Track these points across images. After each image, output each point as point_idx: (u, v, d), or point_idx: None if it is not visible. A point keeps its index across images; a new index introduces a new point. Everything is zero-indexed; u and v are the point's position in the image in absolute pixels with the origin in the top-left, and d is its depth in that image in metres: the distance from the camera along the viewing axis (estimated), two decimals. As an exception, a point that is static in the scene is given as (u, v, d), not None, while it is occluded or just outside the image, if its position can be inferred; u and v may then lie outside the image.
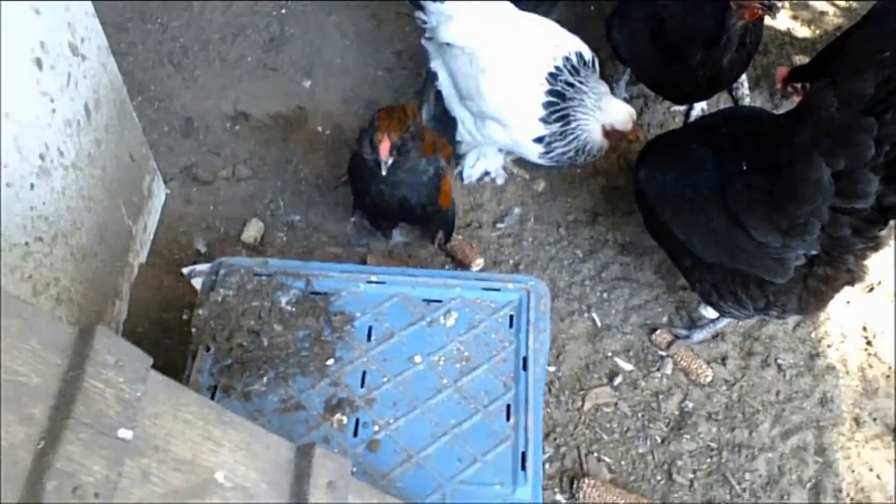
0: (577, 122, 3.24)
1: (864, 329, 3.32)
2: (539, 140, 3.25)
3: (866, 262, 2.69)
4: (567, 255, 3.44)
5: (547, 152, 3.30)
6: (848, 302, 3.36)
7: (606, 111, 3.24)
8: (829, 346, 3.27)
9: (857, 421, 3.11)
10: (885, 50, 2.29)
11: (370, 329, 2.63)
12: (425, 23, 3.27)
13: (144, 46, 3.86)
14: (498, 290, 2.76)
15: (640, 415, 3.07)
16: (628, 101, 3.78)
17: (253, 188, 3.49)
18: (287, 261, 2.76)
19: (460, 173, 3.58)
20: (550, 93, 3.20)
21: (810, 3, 4.31)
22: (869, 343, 3.29)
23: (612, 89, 3.50)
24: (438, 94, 3.46)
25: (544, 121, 3.21)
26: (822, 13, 4.26)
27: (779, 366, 3.20)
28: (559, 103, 3.20)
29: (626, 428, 3.04)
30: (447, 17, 3.19)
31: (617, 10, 3.58)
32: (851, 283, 2.75)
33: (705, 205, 2.78)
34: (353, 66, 3.91)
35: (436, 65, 3.39)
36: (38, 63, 2.47)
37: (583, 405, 3.07)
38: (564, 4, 3.85)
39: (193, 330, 2.51)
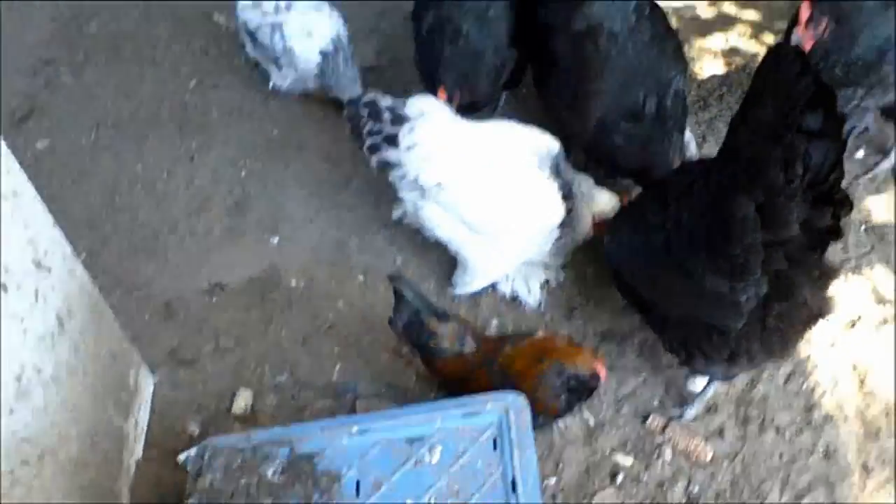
0: (576, 208, 3.41)
1: (855, 368, 3.32)
2: (563, 225, 3.39)
3: (825, 294, 2.71)
4: (550, 356, 3.48)
5: (560, 237, 3.43)
6: (833, 344, 3.37)
7: (595, 200, 3.43)
8: (823, 395, 3.26)
9: (866, 468, 3.10)
10: (778, 75, 2.39)
11: (358, 484, 2.67)
12: (403, 176, 3.35)
13: (117, 239, 4.01)
14: (478, 413, 2.80)
15: (648, 509, 3.09)
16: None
17: (238, 357, 3.59)
18: (269, 430, 2.83)
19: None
20: (557, 179, 3.35)
21: (741, 47, 4.39)
22: (862, 382, 3.28)
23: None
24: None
25: (564, 203, 3.35)
26: (755, 55, 4.34)
27: (777, 427, 3.20)
28: (565, 184, 3.37)
29: (636, 526, 3.05)
30: (425, 160, 3.29)
31: None
32: (815, 318, 2.80)
33: (659, 261, 2.88)
34: (316, 213, 4.04)
35: (426, 212, 3.43)
36: (4, 288, 2.55)
37: (590, 510, 3.09)
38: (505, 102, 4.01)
39: (187, 522, 2.59)
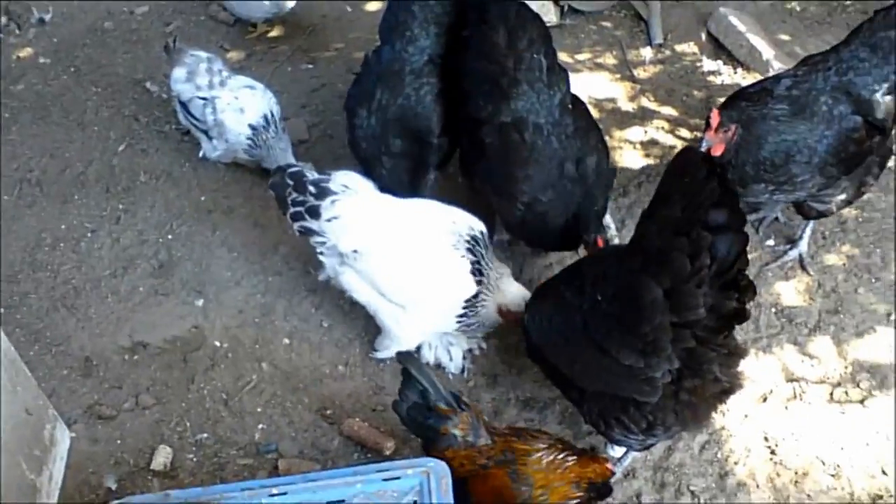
0: (485, 295, 3.47)
1: (766, 439, 3.43)
2: (469, 300, 3.43)
3: (735, 370, 2.86)
4: (473, 421, 3.52)
5: (462, 315, 3.47)
6: (746, 415, 3.49)
7: (504, 291, 3.49)
8: (736, 464, 3.36)
9: (776, 533, 3.19)
10: (686, 177, 2.61)
11: (277, 545, 2.67)
12: (323, 243, 3.44)
13: (37, 294, 3.96)
14: (398, 478, 2.82)
15: (569, 570, 3.10)
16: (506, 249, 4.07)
17: (158, 414, 3.54)
18: (187, 490, 2.81)
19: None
20: (471, 259, 3.43)
21: (660, 139, 4.62)
22: (773, 452, 3.40)
23: (492, 230, 3.83)
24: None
25: (475, 277, 3.42)
26: (672, 147, 4.56)
27: (692, 492, 3.29)
28: (480, 269, 3.44)
29: (556, 590, 3.06)
30: (344, 229, 3.39)
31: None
32: (726, 392, 2.96)
33: (576, 339, 3.00)
34: (243, 276, 4.05)
35: (345, 277, 3.50)
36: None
37: (511, 573, 3.10)
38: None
39: (101, 579, 2.52)
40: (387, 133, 3.89)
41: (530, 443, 3.00)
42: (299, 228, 3.42)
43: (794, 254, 4.05)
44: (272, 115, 4.29)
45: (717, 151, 3.47)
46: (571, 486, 2.94)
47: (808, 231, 4.02)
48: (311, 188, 3.36)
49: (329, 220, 3.35)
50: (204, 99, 4.28)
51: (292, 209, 3.39)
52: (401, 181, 3.91)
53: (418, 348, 3.69)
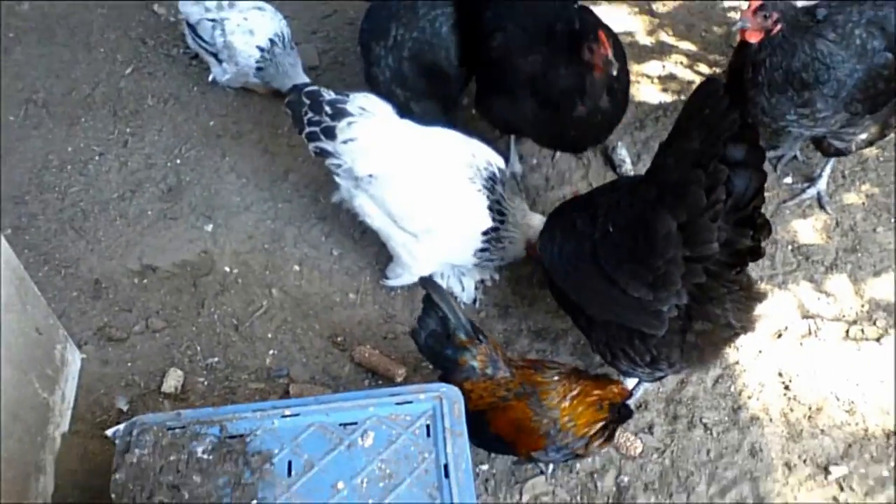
0: (509, 231, 3.44)
1: (780, 375, 3.41)
2: (486, 233, 3.40)
3: (749, 314, 2.81)
4: (485, 351, 3.50)
5: (483, 249, 3.45)
6: (760, 351, 3.46)
7: (532, 227, 3.46)
8: (749, 398, 3.35)
9: (789, 466, 3.18)
10: (706, 108, 2.55)
11: (290, 464, 2.65)
12: (338, 165, 3.38)
13: (45, 216, 3.91)
14: (411, 402, 2.80)
15: (578, 498, 3.12)
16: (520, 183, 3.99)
17: (169, 338, 3.52)
18: (199, 410, 2.79)
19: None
20: (488, 194, 3.38)
21: (678, 74, 4.52)
22: (787, 388, 3.38)
23: (507, 160, 3.77)
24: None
25: (491, 215, 3.38)
26: (690, 82, 4.47)
27: (704, 425, 3.27)
28: (497, 204, 3.40)
29: (566, 514, 3.07)
30: (361, 152, 3.32)
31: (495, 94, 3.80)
32: (735, 336, 2.93)
33: (586, 268, 2.96)
34: (252, 202, 4.00)
35: (359, 201, 3.45)
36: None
37: (521, 498, 3.11)
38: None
39: (113, 495, 2.51)
40: (404, 69, 3.79)
41: (548, 374, 2.96)
42: (314, 149, 3.35)
43: (812, 192, 3.99)
44: (282, 35, 4.20)
45: (753, 37, 3.32)
46: (595, 409, 2.92)
47: (827, 170, 3.94)
48: (328, 108, 3.28)
49: (345, 142, 3.28)
50: (213, 20, 4.18)
51: (308, 129, 3.31)
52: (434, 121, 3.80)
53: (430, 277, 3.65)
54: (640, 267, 2.72)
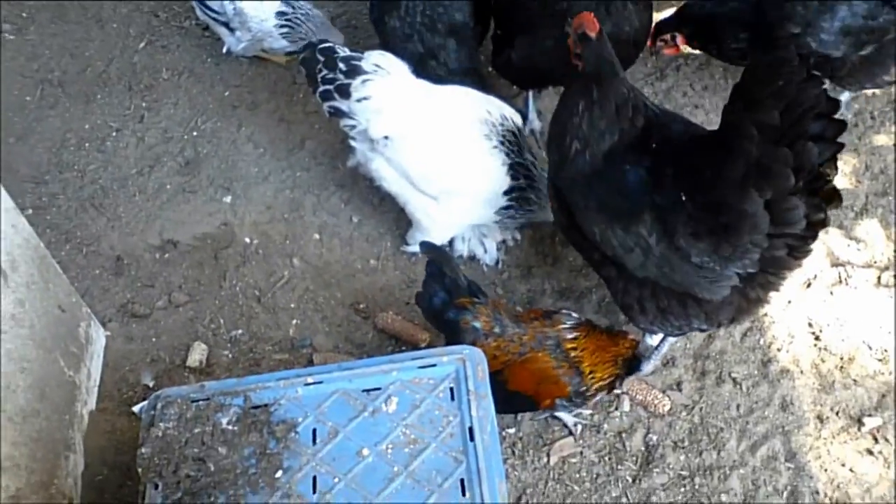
0: (538, 195, 3.38)
1: (810, 325, 3.35)
2: (507, 192, 3.35)
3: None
4: (508, 312, 3.47)
5: (507, 207, 3.39)
6: (789, 302, 3.40)
7: None
8: (779, 350, 3.29)
9: (821, 418, 3.13)
10: (780, 79, 2.42)
11: (314, 431, 2.64)
12: (353, 126, 3.33)
13: (66, 195, 3.92)
14: (434, 365, 2.77)
15: (607, 458, 3.08)
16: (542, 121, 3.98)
17: (192, 312, 3.52)
18: (223, 381, 2.79)
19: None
20: (506, 151, 3.32)
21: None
22: (817, 338, 3.32)
23: (525, 118, 3.71)
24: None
25: (510, 173, 3.33)
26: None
27: (734, 380, 3.23)
28: (517, 162, 3.34)
29: (595, 475, 3.05)
30: (375, 112, 3.27)
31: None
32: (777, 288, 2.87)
33: (642, 228, 2.79)
34: (270, 172, 3.98)
35: (375, 164, 3.41)
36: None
37: (548, 461, 3.08)
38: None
39: (139, 470, 2.52)
40: (422, 37, 3.71)
41: (563, 323, 2.96)
42: (328, 108, 3.29)
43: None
44: None
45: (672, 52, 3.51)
46: (612, 364, 2.93)
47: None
48: (342, 65, 3.22)
49: (359, 101, 3.22)
50: None
51: (322, 87, 3.25)
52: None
53: (451, 241, 3.63)
54: (722, 243, 2.65)
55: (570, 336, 2.93)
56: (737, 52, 3.74)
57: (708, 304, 2.85)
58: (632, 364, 2.96)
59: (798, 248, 2.66)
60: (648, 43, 3.84)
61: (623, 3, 3.44)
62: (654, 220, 2.76)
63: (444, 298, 3.04)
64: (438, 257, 3.08)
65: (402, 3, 3.70)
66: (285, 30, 4.12)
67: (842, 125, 2.47)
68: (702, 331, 3.13)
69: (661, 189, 2.76)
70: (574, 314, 3.05)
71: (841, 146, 2.48)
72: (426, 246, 3.15)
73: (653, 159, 2.82)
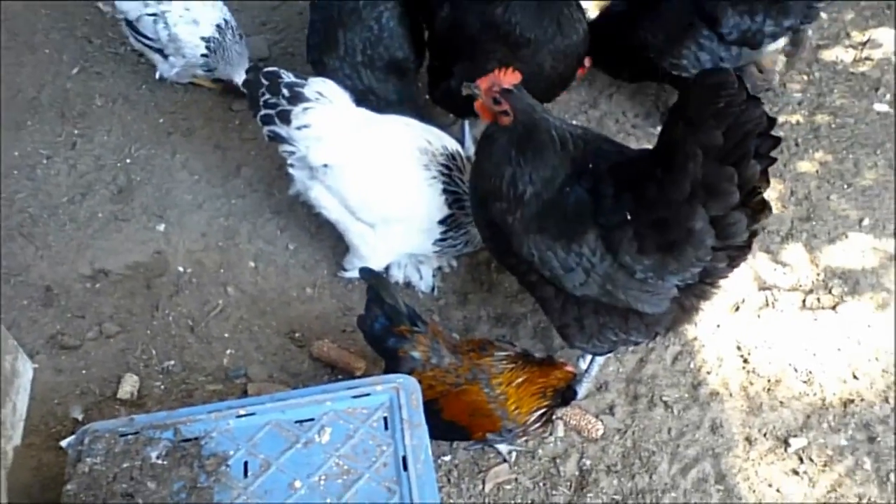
0: (470, 219, 3.36)
1: (739, 348, 3.43)
2: (443, 221, 3.37)
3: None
4: (444, 339, 3.48)
5: (443, 238, 3.42)
6: (718, 325, 3.47)
7: None
8: (708, 373, 3.35)
9: (749, 440, 3.19)
10: (719, 101, 2.51)
11: (246, 464, 2.62)
12: (292, 153, 3.33)
13: (-7, 224, 3.86)
14: (368, 394, 2.78)
15: (541, 484, 3.11)
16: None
17: (123, 343, 3.47)
18: (153, 414, 2.76)
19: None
20: (444, 180, 3.34)
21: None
22: (745, 361, 3.39)
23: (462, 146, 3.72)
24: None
25: (448, 203, 3.35)
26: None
27: (665, 403, 3.28)
28: (455, 192, 3.35)
29: (530, 501, 3.07)
30: (315, 140, 3.27)
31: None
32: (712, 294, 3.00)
33: (585, 248, 2.83)
34: (205, 200, 3.95)
35: (314, 192, 3.40)
36: None
37: (484, 488, 3.09)
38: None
39: (65, 508, 2.48)
40: (361, 75, 3.74)
41: (496, 356, 2.96)
42: (268, 133, 3.28)
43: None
44: (227, 22, 4.14)
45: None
46: (539, 397, 2.93)
47: None
48: (285, 91, 3.22)
49: (299, 129, 3.22)
50: (153, 15, 4.10)
51: (263, 111, 3.24)
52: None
53: (387, 267, 3.63)
54: (669, 259, 2.73)
55: (497, 370, 2.93)
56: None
57: (649, 316, 2.92)
58: (566, 394, 2.97)
59: (736, 258, 2.79)
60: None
61: (570, 10, 3.56)
62: (598, 238, 2.82)
63: (384, 324, 3.03)
64: (378, 283, 3.08)
65: (341, 44, 3.73)
66: (206, 54, 4.12)
67: (776, 141, 2.57)
68: (637, 343, 3.17)
69: (604, 209, 2.82)
70: (508, 346, 3.06)
71: (773, 160, 2.60)
72: (366, 272, 3.16)
73: (592, 180, 2.86)
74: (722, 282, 2.93)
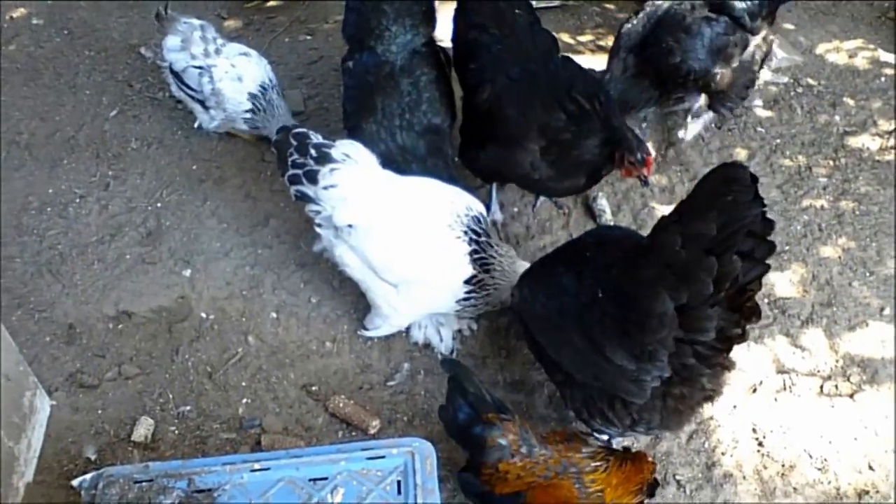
0: (494, 279, 3.43)
1: (754, 431, 3.40)
2: (468, 281, 3.40)
3: (721, 380, 2.82)
4: (460, 403, 3.48)
5: (466, 298, 3.44)
6: (735, 406, 3.46)
7: (517, 272, 3.45)
8: (723, 454, 3.33)
9: (761, 525, 3.16)
10: (728, 194, 2.49)
11: (257, 520, 2.65)
12: (318, 212, 3.37)
13: (22, 259, 3.91)
14: (383, 456, 2.80)
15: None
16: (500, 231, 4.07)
17: (141, 385, 3.50)
18: (167, 462, 2.78)
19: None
20: (470, 242, 3.38)
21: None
22: (760, 444, 3.36)
23: (488, 209, 3.82)
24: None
25: (472, 263, 3.38)
26: (670, 129, 4.53)
27: (678, 482, 3.25)
28: (478, 247, 3.40)
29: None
30: (341, 200, 3.32)
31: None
32: (710, 399, 2.93)
33: (569, 327, 2.92)
34: (232, 248, 4.00)
35: (338, 251, 3.44)
36: None
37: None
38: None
39: (76, 550, 2.49)
40: (395, 137, 3.81)
41: (584, 451, 2.91)
42: (296, 193, 3.34)
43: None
44: (270, 81, 4.25)
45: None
46: (636, 493, 2.90)
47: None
48: (313, 151, 3.28)
49: (326, 189, 3.28)
50: (200, 68, 4.20)
51: (291, 171, 3.30)
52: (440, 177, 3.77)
53: (408, 328, 3.66)
54: (628, 340, 2.71)
55: (590, 468, 2.87)
56: None
57: (633, 406, 2.90)
58: (652, 486, 2.94)
59: (709, 359, 2.71)
60: None
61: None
62: (576, 316, 2.88)
63: (469, 413, 2.96)
64: (460, 373, 3.04)
65: (379, 109, 3.82)
66: (250, 111, 4.21)
67: (772, 246, 2.52)
68: (643, 433, 3.16)
69: (583, 288, 2.88)
70: (595, 439, 3.04)
71: (768, 267, 2.53)
72: (448, 364, 3.15)
73: (584, 263, 2.98)
74: (707, 387, 2.86)
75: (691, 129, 4.52)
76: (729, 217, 2.47)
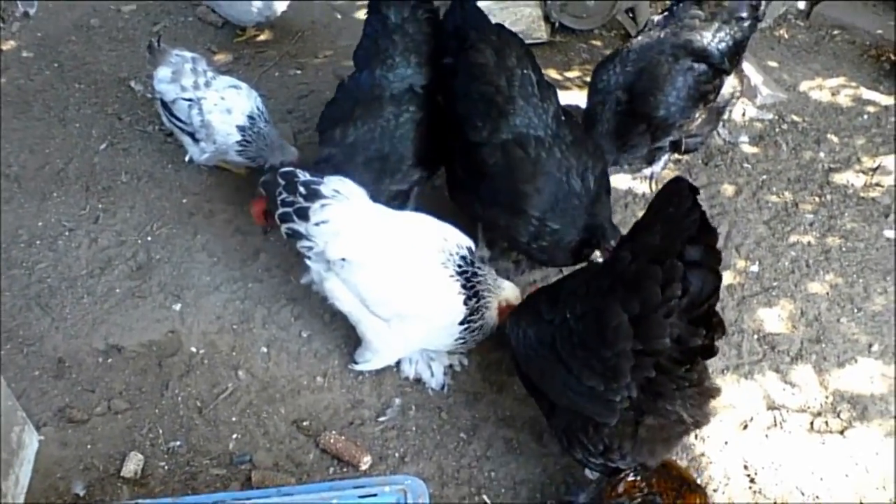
0: (484, 301, 3.47)
1: (746, 467, 3.40)
2: (463, 322, 3.43)
3: (702, 409, 2.84)
4: (451, 438, 3.47)
5: (462, 337, 3.48)
6: (726, 442, 3.46)
7: (502, 288, 3.55)
8: (715, 491, 3.33)
9: (754, 562, 3.16)
10: (671, 206, 2.59)
11: (248, 558, 2.62)
12: (310, 248, 3.37)
13: (11, 292, 3.89)
14: (375, 494, 2.79)
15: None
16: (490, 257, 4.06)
17: (130, 420, 3.47)
18: (157, 500, 2.77)
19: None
20: (463, 280, 3.41)
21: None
22: (752, 481, 3.37)
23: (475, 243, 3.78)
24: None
25: (465, 303, 3.41)
26: (660, 169, 4.58)
27: (670, 518, 3.26)
28: (470, 284, 3.43)
29: None
30: (333, 235, 3.33)
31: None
32: (687, 431, 2.97)
33: (546, 353, 2.98)
34: (222, 282, 4.00)
35: (329, 284, 3.44)
36: None
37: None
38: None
39: (63, 589, 2.45)
40: (352, 156, 3.83)
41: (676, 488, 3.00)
42: (287, 230, 3.35)
43: (647, 171, 4.63)
44: (259, 111, 4.26)
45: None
46: None
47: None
48: (302, 189, 3.29)
49: (317, 224, 3.28)
50: (189, 100, 4.21)
51: (281, 209, 3.31)
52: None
53: (398, 363, 3.66)
54: (591, 356, 2.75)
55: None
56: None
57: (605, 429, 2.91)
58: None
59: (670, 372, 2.72)
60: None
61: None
62: (551, 340, 2.94)
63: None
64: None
65: (355, 118, 3.84)
66: (240, 142, 4.22)
67: (718, 255, 2.57)
68: (615, 465, 3.07)
69: (556, 313, 2.95)
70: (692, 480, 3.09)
71: (719, 277, 2.56)
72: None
73: (560, 292, 3.07)
74: (684, 419, 2.86)
75: (658, 162, 4.64)
76: (670, 227, 2.57)
